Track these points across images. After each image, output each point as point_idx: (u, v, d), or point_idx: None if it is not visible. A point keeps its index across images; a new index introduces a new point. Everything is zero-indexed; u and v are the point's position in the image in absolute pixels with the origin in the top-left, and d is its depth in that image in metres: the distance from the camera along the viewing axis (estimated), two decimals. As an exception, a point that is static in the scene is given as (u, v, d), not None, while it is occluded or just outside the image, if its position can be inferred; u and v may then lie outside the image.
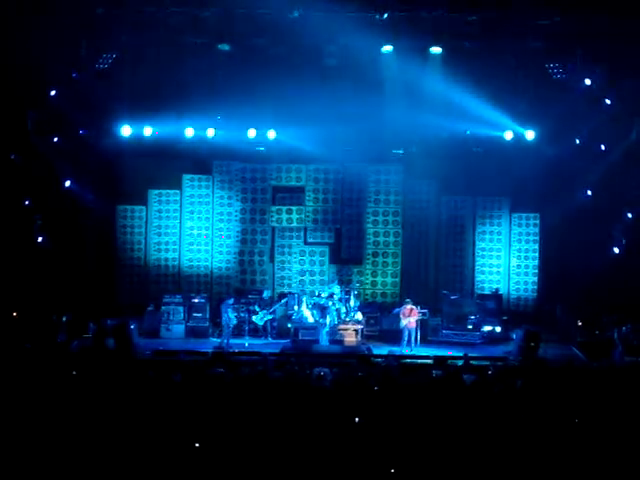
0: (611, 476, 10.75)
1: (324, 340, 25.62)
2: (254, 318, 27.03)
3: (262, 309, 27.22)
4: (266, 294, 28.52)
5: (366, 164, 30.02)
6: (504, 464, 10.93)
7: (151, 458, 10.95)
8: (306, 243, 30.45)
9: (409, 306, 25.76)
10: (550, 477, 10.74)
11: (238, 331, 26.65)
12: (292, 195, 30.57)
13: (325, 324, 25.91)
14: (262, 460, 10.88)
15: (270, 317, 27.26)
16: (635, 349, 24.17)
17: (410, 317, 25.56)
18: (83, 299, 27.19)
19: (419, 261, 30.46)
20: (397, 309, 26.79)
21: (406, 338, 25.49)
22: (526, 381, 15.67)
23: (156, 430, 11.83)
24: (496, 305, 28.31)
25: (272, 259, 30.51)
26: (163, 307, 27.76)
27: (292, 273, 30.35)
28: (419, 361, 22.10)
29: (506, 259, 30.19)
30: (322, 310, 26.36)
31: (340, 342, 25.82)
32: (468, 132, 28.03)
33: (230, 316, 25.86)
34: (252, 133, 28.17)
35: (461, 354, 21.96)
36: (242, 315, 26.96)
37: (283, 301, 27.91)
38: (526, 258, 30.06)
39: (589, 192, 27.47)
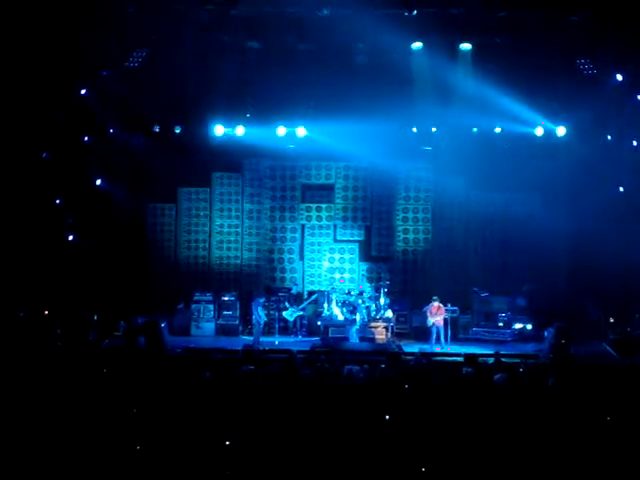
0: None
1: (354, 338, 25.62)
2: (284, 314, 27.12)
3: (292, 305, 27.26)
4: (294, 290, 28.56)
5: (396, 161, 29.88)
6: (536, 462, 10.87)
7: (182, 455, 10.97)
8: (336, 241, 30.40)
9: (436, 304, 25.73)
10: (582, 475, 10.68)
11: (268, 329, 26.72)
12: (322, 193, 30.57)
13: (355, 322, 25.92)
14: (291, 457, 10.88)
15: (300, 313, 27.31)
16: (666, 346, 24.05)
17: (437, 315, 25.53)
18: (114, 297, 27.32)
19: (449, 258, 30.32)
20: (426, 307, 26.78)
21: (435, 336, 25.44)
22: (557, 379, 15.60)
23: (187, 427, 11.85)
24: (527, 302, 28.19)
25: (302, 257, 30.49)
26: (193, 305, 27.91)
27: (322, 271, 30.28)
28: (449, 359, 22.08)
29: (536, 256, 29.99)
30: (352, 308, 26.35)
31: (370, 339, 25.87)
32: (498, 128, 27.90)
33: (260, 314, 25.89)
34: (282, 131, 28.15)
35: (492, 352, 21.92)
36: (272, 313, 27.02)
37: (313, 297, 27.94)
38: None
39: (621, 188, 27.27)
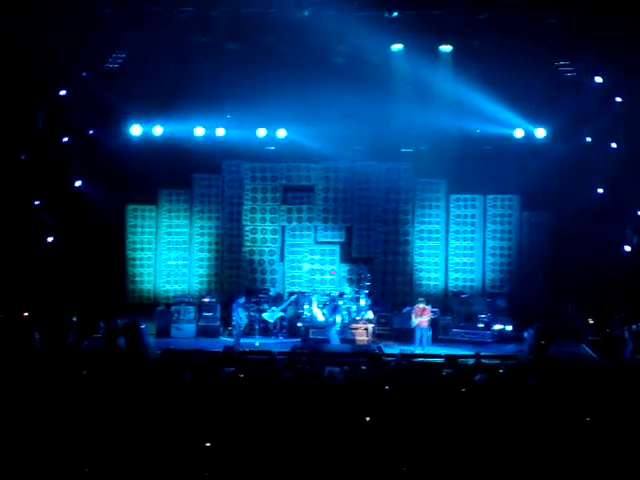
0: (622, 474, 10.71)
1: (334, 339, 25.62)
2: (264, 315, 27.04)
3: (271, 306, 27.24)
4: (273, 291, 28.56)
5: (376, 162, 30.04)
6: (515, 462, 10.90)
7: (161, 457, 10.95)
8: (316, 242, 30.41)
9: (421, 305, 25.75)
10: (562, 475, 10.71)
11: (249, 330, 26.70)
12: (302, 194, 30.57)
13: (335, 323, 25.93)
14: (273, 459, 10.87)
15: (280, 314, 27.27)
16: (646, 347, 24.15)
17: (422, 317, 25.54)
18: (93, 299, 27.23)
19: (429, 260, 30.38)
20: (408, 307, 26.82)
21: (419, 337, 25.46)
22: (537, 379, 15.64)
23: (167, 429, 11.83)
24: (507, 304, 28.29)
25: (282, 258, 30.48)
26: (173, 306, 27.88)
27: (302, 272, 30.28)
28: (430, 360, 22.11)
29: (516, 258, 30.08)
30: (333, 309, 26.36)
31: (351, 341, 25.86)
32: (478, 130, 28.03)
33: (241, 315, 25.87)
34: (262, 132, 28.19)
35: (472, 353, 21.97)
36: (253, 314, 26.99)
37: (292, 298, 27.90)
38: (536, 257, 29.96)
39: (600, 190, 27.40)
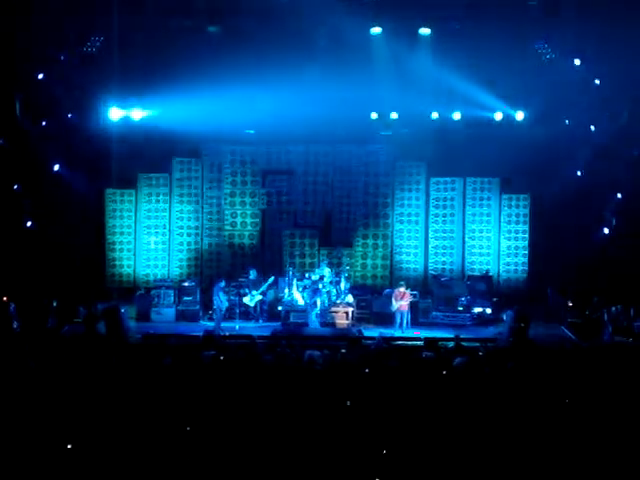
0: (601, 456, 10.77)
1: (313, 322, 25.63)
2: (244, 300, 26.99)
3: (251, 290, 27.20)
4: (252, 274, 28.49)
5: (355, 146, 30.01)
6: (495, 445, 10.95)
7: (142, 441, 10.94)
8: (296, 226, 30.37)
9: (401, 289, 25.77)
10: (541, 457, 10.76)
11: (229, 314, 26.65)
12: (282, 177, 30.51)
13: (315, 306, 25.93)
14: (253, 442, 10.88)
15: (260, 297, 27.21)
16: (624, 329, 24.29)
17: (402, 300, 25.57)
18: (73, 283, 27.11)
19: (409, 243, 30.41)
20: (388, 290, 26.86)
21: (399, 321, 25.50)
22: (516, 362, 15.70)
23: (147, 413, 11.82)
24: (486, 287, 28.34)
25: (262, 242, 30.44)
26: (153, 291, 27.78)
27: (282, 256, 30.25)
28: (409, 343, 22.16)
29: (496, 240, 30.13)
30: (313, 293, 26.35)
31: (331, 324, 25.86)
32: (457, 113, 28.03)
33: (221, 299, 25.82)
34: (241, 116, 28.11)
35: (452, 335, 22.02)
36: (233, 298, 26.95)
37: (271, 280, 27.79)
38: (516, 239, 29.96)
39: (579, 173, 27.48)
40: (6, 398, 12.38)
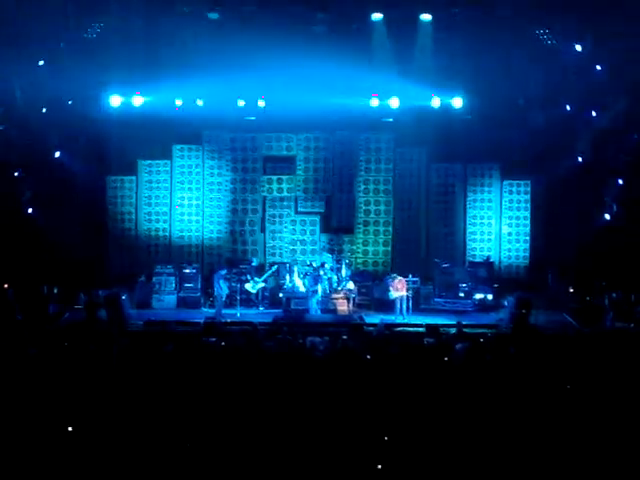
0: (602, 440, 10.78)
1: (314, 309, 25.65)
2: (246, 287, 27.01)
3: (254, 277, 27.21)
4: (255, 262, 28.51)
5: (356, 132, 29.95)
6: (497, 431, 10.95)
7: (143, 428, 10.95)
8: (297, 212, 30.37)
9: (397, 279, 25.82)
10: (543, 442, 10.77)
11: (230, 301, 26.66)
12: (283, 164, 30.47)
13: (316, 293, 25.93)
14: (254, 429, 10.89)
15: (263, 285, 27.25)
16: (626, 315, 24.32)
17: (400, 290, 25.63)
18: (74, 270, 27.11)
19: (410, 229, 30.38)
20: (388, 277, 26.84)
21: (399, 307, 25.54)
22: (518, 348, 15.71)
23: (148, 400, 11.83)
24: (487, 273, 28.36)
25: (263, 229, 30.43)
26: (154, 278, 27.81)
27: (283, 243, 30.25)
28: (411, 329, 22.16)
29: (497, 226, 30.11)
30: (314, 279, 26.35)
31: (332, 311, 25.90)
32: (458, 99, 27.94)
33: (222, 286, 25.85)
34: (242, 102, 28.06)
35: (453, 322, 22.03)
36: (234, 285, 26.96)
37: (274, 268, 27.86)
38: (517, 225, 29.95)
39: (580, 159, 27.44)
40: (6, 385, 12.39)
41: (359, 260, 30.06)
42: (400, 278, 25.84)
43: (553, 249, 28.11)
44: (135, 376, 13.04)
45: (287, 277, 27.34)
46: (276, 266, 28.02)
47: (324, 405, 11.62)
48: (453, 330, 20.03)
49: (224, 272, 26.42)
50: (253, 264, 28.34)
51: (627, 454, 10.43)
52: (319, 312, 25.73)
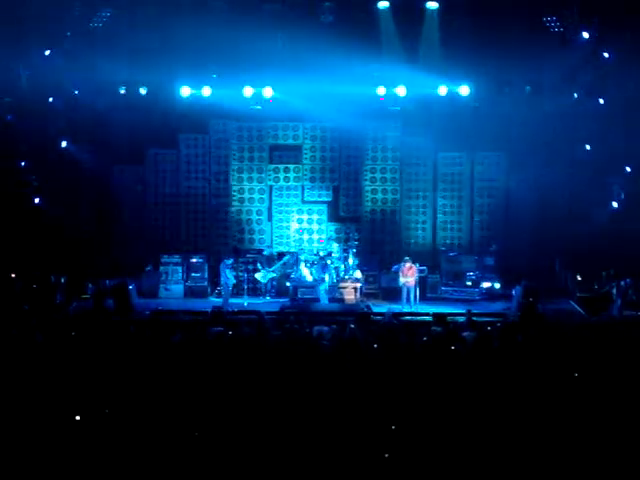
0: (610, 429, 10.77)
1: (323, 298, 25.64)
2: (257, 276, 27.05)
3: (264, 267, 27.20)
4: (267, 251, 28.54)
5: (363, 121, 29.84)
6: (504, 419, 10.95)
7: (150, 417, 10.95)
8: (304, 201, 30.36)
9: (408, 264, 25.72)
10: (550, 431, 10.75)
11: (237, 290, 26.68)
12: (289, 153, 30.43)
13: (323, 281, 25.92)
14: (261, 418, 10.89)
15: (272, 275, 27.27)
16: (633, 303, 24.31)
17: (409, 275, 25.53)
18: (81, 260, 27.15)
19: (417, 218, 30.34)
20: (395, 266, 26.80)
21: (405, 296, 25.48)
22: (526, 337, 15.70)
23: (156, 389, 11.84)
24: (495, 261, 28.31)
25: (270, 218, 30.41)
26: (161, 267, 27.85)
27: (290, 232, 30.25)
28: (418, 318, 22.17)
29: (503, 215, 30.04)
30: (321, 268, 26.33)
31: (339, 300, 25.90)
32: (465, 87, 27.85)
33: (228, 276, 25.82)
34: (248, 91, 28.00)
35: (460, 311, 22.03)
36: (241, 274, 26.98)
37: (285, 258, 27.88)
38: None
39: (587, 147, 27.36)
40: (14, 374, 12.41)
41: (366, 249, 30.00)
42: (410, 264, 25.69)
43: (560, 237, 28.03)
44: (142, 365, 13.05)
45: (294, 267, 27.35)
46: (288, 256, 28.01)
47: (331, 394, 11.62)
48: (461, 319, 20.03)
49: (230, 261, 26.39)
50: (265, 253, 28.34)
51: (634, 442, 10.42)
52: (327, 301, 25.72)
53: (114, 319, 21.34)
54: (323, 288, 25.85)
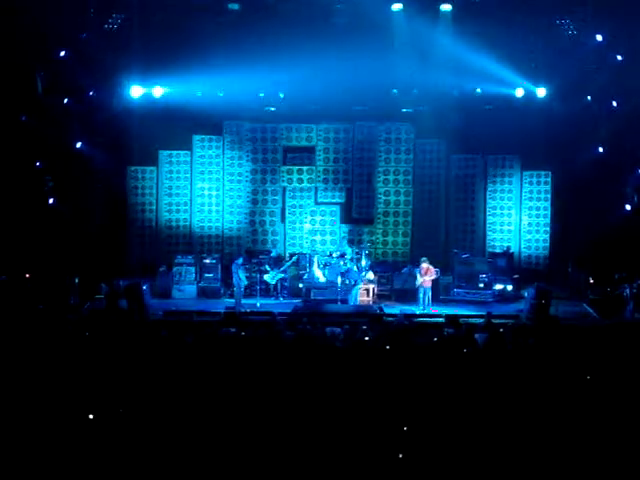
0: (622, 431, 10.78)
1: (354, 299, 25.56)
2: (265, 277, 27.06)
3: (273, 268, 27.24)
4: (274, 252, 28.60)
5: (376, 123, 29.96)
6: (517, 421, 10.97)
7: (163, 418, 11.01)
8: (317, 203, 30.40)
9: (425, 265, 25.66)
10: (562, 433, 10.78)
11: (250, 291, 26.75)
12: (303, 155, 30.50)
13: (357, 283, 25.78)
14: (273, 419, 10.93)
15: (282, 276, 27.30)
16: (646, 306, 24.22)
17: (425, 276, 25.49)
18: (95, 261, 27.24)
19: (430, 220, 30.38)
20: (405, 268, 26.86)
21: (422, 297, 25.41)
22: (538, 339, 15.71)
23: (169, 390, 11.89)
24: (507, 263, 28.32)
25: (283, 219, 30.48)
26: (175, 268, 27.89)
27: (303, 233, 30.31)
28: (431, 320, 22.19)
29: (517, 217, 30.07)
30: (343, 273, 26.14)
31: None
32: (479, 90, 27.90)
33: (241, 276, 25.83)
34: (262, 93, 28.09)
35: (473, 313, 22.05)
36: (253, 275, 27.03)
37: (294, 259, 27.93)
38: (537, 216, 29.90)
39: (600, 149, 27.34)
40: (28, 373, 12.48)
41: (379, 250, 30.09)
42: (428, 265, 25.59)
43: (573, 240, 28.05)
44: (156, 365, 13.11)
45: (307, 268, 27.39)
46: (296, 256, 28.07)
47: (344, 394, 11.66)
48: (476, 320, 20.07)
49: (241, 261, 26.36)
50: (272, 254, 28.40)
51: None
52: (357, 302, 25.69)
53: (128, 319, 21.41)
54: (356, 289, 25.78)
